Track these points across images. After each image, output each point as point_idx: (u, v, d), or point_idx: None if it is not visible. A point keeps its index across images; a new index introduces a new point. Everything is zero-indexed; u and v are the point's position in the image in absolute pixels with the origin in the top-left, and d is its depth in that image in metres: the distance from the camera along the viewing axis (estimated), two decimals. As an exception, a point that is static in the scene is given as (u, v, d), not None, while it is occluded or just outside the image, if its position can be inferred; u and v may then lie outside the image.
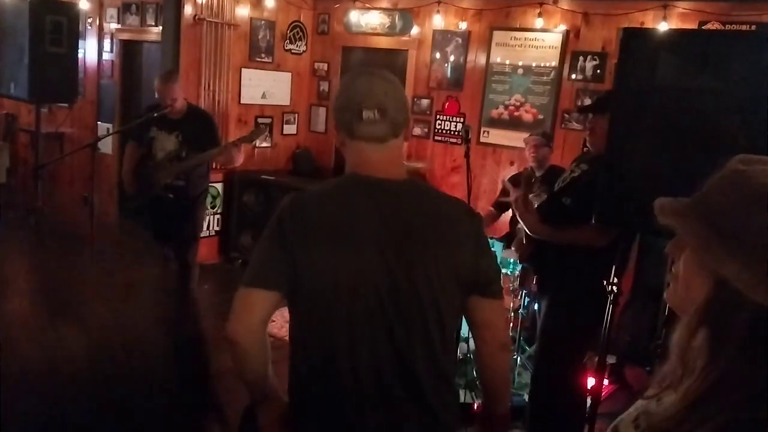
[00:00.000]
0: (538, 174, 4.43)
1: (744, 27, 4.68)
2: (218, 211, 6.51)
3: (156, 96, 4.58)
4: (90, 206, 4.65)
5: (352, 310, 1.55)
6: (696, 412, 0.82)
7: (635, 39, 2.41)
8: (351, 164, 1.65)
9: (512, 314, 4.41)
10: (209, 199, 6.02)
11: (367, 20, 6.62)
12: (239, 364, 1.63)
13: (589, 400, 2.99)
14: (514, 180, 3.64)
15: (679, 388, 0.87)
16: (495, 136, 5.97)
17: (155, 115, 4.45)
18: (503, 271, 4.26)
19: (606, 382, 3.36)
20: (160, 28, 6.11)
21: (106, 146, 6.83)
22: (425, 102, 6.35)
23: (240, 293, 1.60)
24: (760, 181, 0.84)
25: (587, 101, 5.22)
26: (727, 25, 4.76)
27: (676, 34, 2.88)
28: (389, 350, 1.57)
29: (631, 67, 2.37)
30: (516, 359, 4.36)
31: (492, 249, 1.71)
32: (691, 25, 4.89)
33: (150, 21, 6.55)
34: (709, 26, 4.83)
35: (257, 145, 5.17)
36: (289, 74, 6.89)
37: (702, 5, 4.90)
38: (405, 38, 6.41)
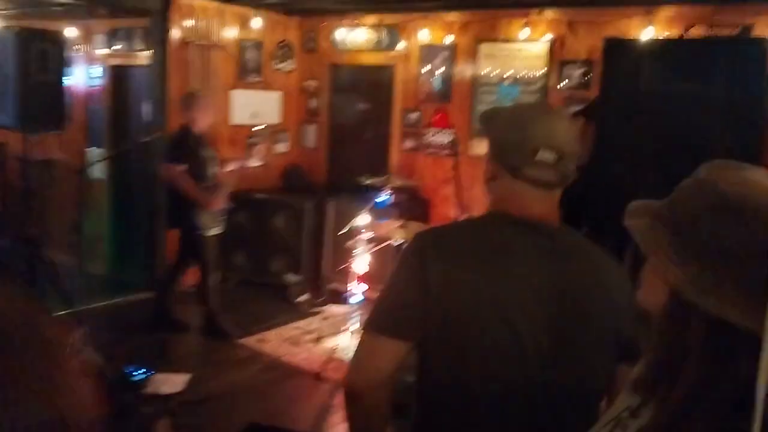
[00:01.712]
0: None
1: (728, 30, 4.70)
2: (212, 232, 6.48)
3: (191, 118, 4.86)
4: (79, 233, 4.65)
5: (503, 361, 1.35)
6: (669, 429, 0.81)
7: (617, 49, 2.43)
8: (500, 202, 1.44)
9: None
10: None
11: (353, 37, 6.65)
12: (357, 421, 1.43)
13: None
14: None
15: (652, 404, 0.86)
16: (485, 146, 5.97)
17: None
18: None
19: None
20: (148, 52, 6.12)
21: (97, 172, 6.82)
22: (414, 115, 6.36)
23: (365, 339, 1.40)
24: (724, 189, 0.83)
25: (575, 108, 5.24)
26: (713, 28, 4.78)
27: (658, 44, 2.91)
28: (539, 402, 1.36)
29: (615, 76, 2.39)
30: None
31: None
32: (677, 30, 4.92)
33: (138, 45, 6.56)
34: (693, 30, 4.85)
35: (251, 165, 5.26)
36: (279, 93, 6.91)
37: (686, 10, 4.93)
38: (392, 53, 6.43)
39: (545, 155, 1.33)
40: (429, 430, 1.46)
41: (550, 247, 1.38)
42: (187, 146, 4.78)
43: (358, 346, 1.42)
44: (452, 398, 1.39)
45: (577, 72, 5.47)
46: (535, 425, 1.37)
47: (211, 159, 4.93)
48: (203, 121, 4.87)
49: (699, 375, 0.79)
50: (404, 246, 1.51)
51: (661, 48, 2.50)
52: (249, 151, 5.28)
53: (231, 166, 5.10)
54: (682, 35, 4.39)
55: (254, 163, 5.22)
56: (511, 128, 1.39)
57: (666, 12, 4.99)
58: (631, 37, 4.60)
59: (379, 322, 1.39)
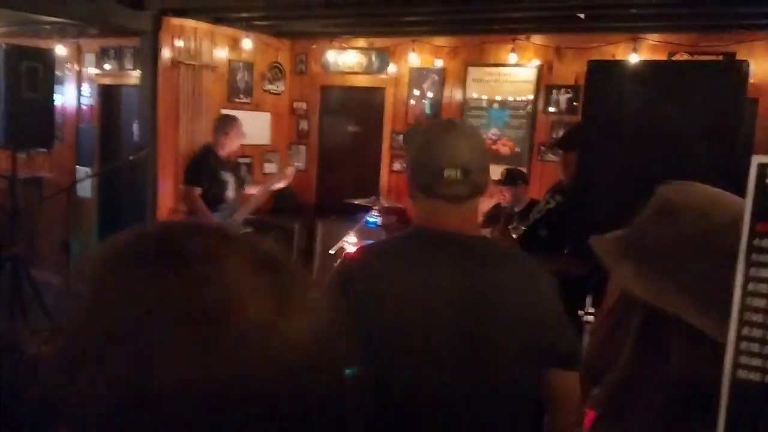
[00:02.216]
0: (518, 209, 4.45)
1: (711, 57, 4.78)
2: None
3: (213, 141, 4.89)
4: (67, 252, 4.62)
5: (423, 371, 1.42)
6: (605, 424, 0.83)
7: (601, 72, 2.46)
8: (422, 218, 1.54)
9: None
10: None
11: (344, 60, 6.71)
12: None
13: None
14: (491, 215, 3.67)
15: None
16: (474, 169, 6.01)
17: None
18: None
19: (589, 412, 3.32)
20: (139, 72, 6.14)
21: (85, 190, 6.80)
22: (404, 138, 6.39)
23: None
24: (669, 196, 0.87)
25: (561, 133, 5.29)
26: (695, 56, 4.87)
27: (642, 66, 2.95)
28: (464, 414, 1.43)
29: (598, 98, 2.41)
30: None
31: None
32: (661, 57, 5.00)
33: (128, 65, 6.58)
34: (677, 57, 4.93)
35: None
36: (269, 114, 6.94)
37: (671, 37, 5.01)
38: (382, 76, 6.49)
39: (451, 173, 1.43)
40: None
41: (466, 258, 1.45)
42: (207, 168, 4.74)
43: None
44: (376, 412, 1.45)
45: (564, 97, 5.53)
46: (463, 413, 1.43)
47: (231, 182, 4.86)
48: (230, 146, 4.85)
49: (633, 364, 0.82)
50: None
51: (644, 70, 2.53)
52: (278, 173, 5.28)
53: (254, 189, 5.11)
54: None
55: (279, 185, 5.16)
56: (419, 151, 1.50)
57: (651, 39, 5.08)
58: (615, 60, 4.67)
59: None
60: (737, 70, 2.12)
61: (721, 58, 4.74)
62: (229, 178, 4.83)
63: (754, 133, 4.62)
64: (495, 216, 3.61)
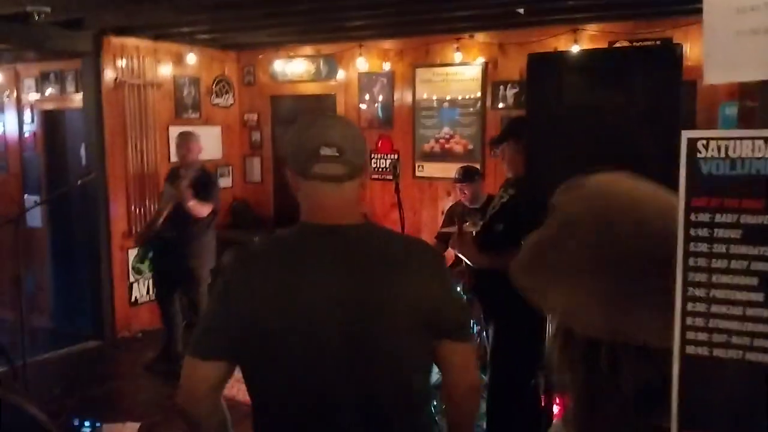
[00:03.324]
0: (475, 206, 4.49)
1: (650, 44, 4.90)
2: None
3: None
4: (19, 285, 4.48)
5: (308, 368, 1.46)
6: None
7: (541, 64, 2.48)
8: (305, 210, 1.57)
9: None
10: (147, 263, 5.85)
11: (292, 68, 6.67)
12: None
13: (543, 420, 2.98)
14: (451, 213, 3.69)
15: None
16: (429, 169, 6.05)
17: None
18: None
19: (558, 400, 3.36)
20: (81, 95, 6.01)
21: (35, 220, 6.62)
22: (357, 143, 6.38)
23: (185, 362, 1.54)
24: (571, 210, 0.84)
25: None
26: (634, 43, 4.98)
27: (580, 55, 2.99)
28: (350, 399, 1.47)
29: (540, 90, 2.44)
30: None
31: (457, 289, 1.63)
32: (601, 46, 5.10)
33: (70, 89, 6.43)
34: (617, 45, 5.03)
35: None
36: (219, 128, 6.86)
37: (609, 26, 5.12)
38: (332, 83, 6.48)
39: (326, 151, 1.47)
40: None
41: (345, 248, 1.49)
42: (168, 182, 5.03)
43: (182, 368, 1.55)
44: (271, 408, 1.54)
45: (511, 92, 5.60)
46: (350, 424, 1.47)
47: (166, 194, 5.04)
48: (184, 158, 5.07)
49: (586, 385, 0.79)
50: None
51: (582, 59, 2.57)
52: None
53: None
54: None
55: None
56: (294, 136, 1.55)
57: (590, 29, 5.18)
58: (553, 52, 4.75)
59: (194, 345, 1.53)
60: (672, 53, 2.17)
61: (658, 43, 4.86)
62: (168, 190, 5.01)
63: (695, 114, 4.75)
64: (459, 214, 3.64)
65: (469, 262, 3.37)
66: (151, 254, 5.27)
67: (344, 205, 1.53)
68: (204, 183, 4.99)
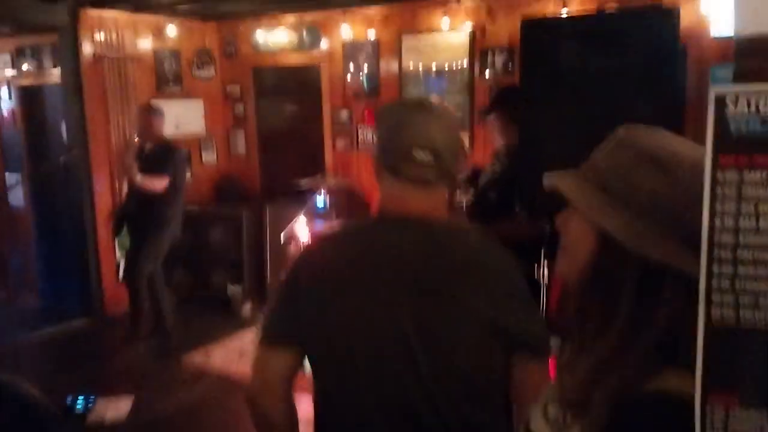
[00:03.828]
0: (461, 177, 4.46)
1: (639, 7, 4.84)
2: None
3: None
4: (4, 264, 4.43)
5: (372, 364, 1.39)
6: (597, 377, 0.82)
7: (534, 29, 2.45)
8: (386, 202, 1.47)
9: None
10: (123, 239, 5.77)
11: (274, 39, 6.55)
12: (259, 424, 1.51)
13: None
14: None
15: (580, 360, 0.87)
16: (416, 139, 5.99)
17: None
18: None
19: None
20: (60, 69, 5.87)
21: (17, 199, 6.52)
22: (345, 113, 6.32)
23: (256, 352, 1.51)
24: (644, 143, 0.87)
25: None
26: (623, 6, 4.92)
27: (573, 20, 2.96)
28: (418, 400, 1.38)
29: (534, 57, 2.41)
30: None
31: (533, 299, 1.47)
32: (590, 8, 5.04)
33: (47, 64, 6.29)
34: (607, 7, 4.97)
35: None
36: (201, 101, 6.75)
37: (598, -10, 5.06)
38: (315, 53, 6.37)
39: (420, 154, 1.37)
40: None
41: (425, 243, 1.40)
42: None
43: (253, 359, 1.52)
44: (338, 403, 1.47)
45: (499, 59, 5.54)
46: (419, 426, 1.39)
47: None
48: (144, 132, 5.03)
49: (631, 316, 0.81)
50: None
51: (577, 24, 2.54)
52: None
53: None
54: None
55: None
56: (389, 129, 1.44)
57: (579, -7, 5.11)
58: (548, 17, 4.69)
59: (265, 334, 1.50)
60: (669, 17, 2.14)
61: (649, 6, 4.80)
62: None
63: (686, 79, 4.72)
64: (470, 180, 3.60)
65: None
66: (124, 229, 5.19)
67: (430, 208, 1.44)
68: (161, 157, 4.91)
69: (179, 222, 5.12)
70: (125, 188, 4.99)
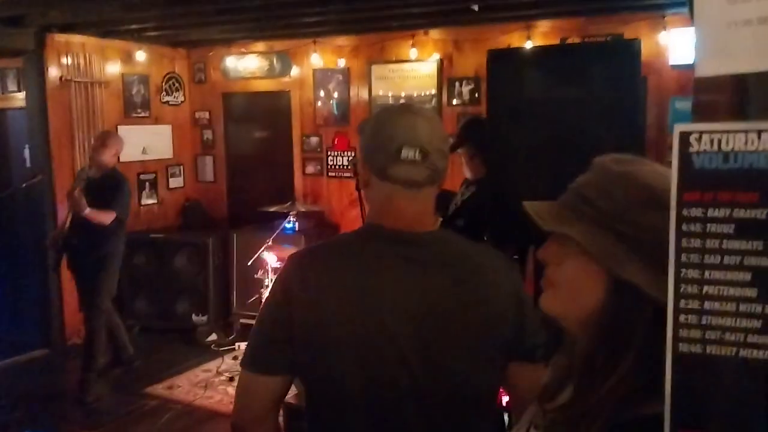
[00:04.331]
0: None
1: (601, 39, 4.98)
2: (109, 278, 6.14)
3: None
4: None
5: (373, 380, 1.35)
6: (592, 412, 0.82)
7: (500, 60, 2.49)
8: (374, 211, 1.43)
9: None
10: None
11: (245, 65, 6.56)
12: None
13: (506, 416, 3.00)
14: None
15: (572, 390, 0.87)
16: (386, 166, 6.02)
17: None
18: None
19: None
20: (24, 93, 5.78)
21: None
22: (314, 140, 6.33)
23: (241, 378, 1.43)
24: (647, 182, 0.85)
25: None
26: (585, 39, 5.05)
27: (537, 51, 3.02)
28: (417, 414, 1.36)
29: (500, 86, 2.44)
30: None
31: (534, 306, 1.52)
32: (554, 42, 5.16)
33: (12, 87, 6.19)
34: (570, 41, 5.10)
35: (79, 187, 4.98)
36: (169, 126, 6.70)
37: (561, 23, 5.19)
38: (286, 79, 6.39)
39: (409, 153, 1.33)
40: None
41: (420, 258, 1.37)
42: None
43: (237, 384, 1.45)
44: (332, 421, 1.41)
45: (466, 88, 5.62)
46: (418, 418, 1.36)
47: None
48: (95, 157, 4.77)
49: (640, 359, 0.80)
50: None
51: (541, 55, 2.59)
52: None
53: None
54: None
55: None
56: (375, 131, 1.40)
57: (543, 26, 5.24)
58: (513, 48, 4.79)
59: (251, 360, 1.41)
60: (630, 48, 2.20)
61: (609, 39, 4.94)
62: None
63: (645, 110, 4.84)
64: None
65: None
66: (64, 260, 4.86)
67: (420, 212, 1.39)
68: (110, 187, 4.65)
69: (121, 258, 4.93)
70: (68, 219, 4.64)
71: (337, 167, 6.28)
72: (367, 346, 1.34)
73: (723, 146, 0.61)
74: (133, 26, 5.66)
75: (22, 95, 5.88)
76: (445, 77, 5.70)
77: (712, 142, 0.62)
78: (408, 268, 1.35)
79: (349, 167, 6.11)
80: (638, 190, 0.85)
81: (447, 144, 1.44)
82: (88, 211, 4.46)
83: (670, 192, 0.81)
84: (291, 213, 5.65)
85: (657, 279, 0.78)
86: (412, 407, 1.35)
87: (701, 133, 0.62)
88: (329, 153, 6.30)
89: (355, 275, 1.36)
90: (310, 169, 6.36)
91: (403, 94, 5.88)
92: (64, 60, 5.67)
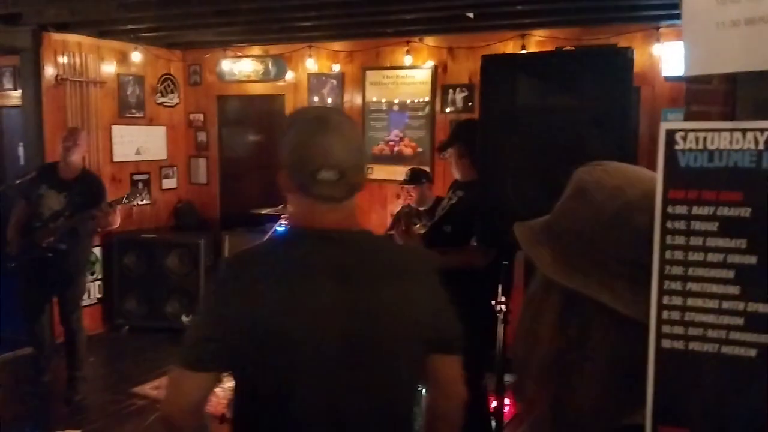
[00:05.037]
0: (423, 208, 4.50)
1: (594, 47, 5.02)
2: (98, 277, 6.12)
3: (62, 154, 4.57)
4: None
5: (305, 377, 1.41)
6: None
7: (494, 65, 2.50)
8: (298, 216, 1.51)
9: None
10: (88, 265, 5.71)
11: (240, 68, 6.57)
12: None
13: (493, 422, 3.00)
14: (399, 215, 3.70)
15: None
16: (379, 171, 6.03)
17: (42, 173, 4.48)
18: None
19: (508, 402, 3.39)
20: (20, 91, 5.77)
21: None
22: (307, 145, 6.33)
23: (173, 373, 1.48)
24: (583, 178, 0.84)
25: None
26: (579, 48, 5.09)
27: (532, 57, 3.04)
28: (347, 409, 1.43)
29: (493, 91, 2.45)
30: (421, 390, 4.33)
31: (450, 300, 1.56)
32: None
33: (8, 85, 6.18)
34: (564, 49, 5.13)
35: (137, 204, 4.87)
36: (164, 128, 6.69)
37: (556, 32, 5.22)
38: (280, 83, 6.40)
39: (325, 175, 1.39)
40: None
41: (344, 254, 1.43)
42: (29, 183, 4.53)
43: (168, 378, 1.51)
44: (262, 417, 1.47)
45: (460, 96, 5.64)
46: (349, 407, 1.43)
47: (48, 199, 4.45)
48: (69, 154, 4.53)
49: (556, 345, 0.79)
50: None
51: (535, 61, 2.60)
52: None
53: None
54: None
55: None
56: (293, 148, 1.44)
57: (538, 35, 5.27)
58: (507, 53, 4.82)
59: (183, 356, 1.45)
60: (623, 56, 2.21)
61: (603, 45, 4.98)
62: (52, 194, 4.45)
63: (638, 120, 4.88)
64: (405, 214, 3.64)
65: None
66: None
67: (342, 218, 1.47)
68: (97, 189, 4.53)
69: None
70: (64, 224, 4.42)
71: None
72: (296, 347, 1.39)
73: (708, 145, 0.63)
74: (130, 27, 5.66)
75: (17, 93, 5.87)
76: (439, 84, 5.72)
77: (697, 140, 0.63)
78: (333, 270, 1.41)
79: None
80: (572, 184, 0.85)
81: (363, 156, 1.53)
82: (118, 220, 4.49)
83: (595, 183, 0.81)
84: (282, 215, 5.65)
85: (567, 269, 0.79)
86: (342, 403, 1.41)
87: (687, 131, 0.63)
88: (323, 157, 6.29)
89: (283, 278, 1.42)
90: (304, 173, 6.36)
91: (396, 101, 5.90)
92: (60, 59, 5.67)
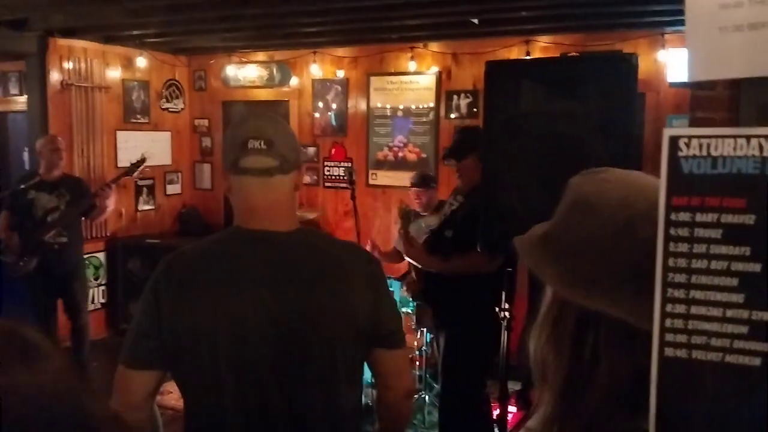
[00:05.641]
0: (428, 212, 4.50)
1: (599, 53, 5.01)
2: (102, 282, 6.14)
3: (39, 161, 4.65)
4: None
5: (238, 379, 1.44)
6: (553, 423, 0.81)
7: (498, 70, 2.49)
8: (237, 213, 1.54)
9: (417, 353, 4.39)
10: (92, 270, 5.75)
11: (245, 74, 6.58)
12: None
13: (496, 429, 2.99)
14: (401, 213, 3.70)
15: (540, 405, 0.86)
16: (382, 177, 6.04)
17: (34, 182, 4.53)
18: (404, 310, 4.26)
19: (513, 408, 3.38)
20: (26, 97, 5.79)
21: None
22: (312, 150, 6.34)
23: (118, 371, 1.52)
24: (584, 190, 0.83)
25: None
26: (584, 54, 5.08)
27: (536, 63, 3.03)
28: (281, 409, 1.46)
29: (497, 97, 2.44)
30: (424, 398, 4.32)
31: (392, 294, 1.60)
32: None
33: (13, 90, 6.21)
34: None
35: (139, 171, 4.86)
36: (168, 133, 6.71)
37: (560, 38, 5.22)
38: (285, 89, 6.41)
39: (254, 144, 1.45)
40: None
41: (277, 256, 1.47)
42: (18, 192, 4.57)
43: (114, 377, 1.53)
44: (202, 416, 1.51)
45: (464, 102, 5.64)
46: (283, 402, 1.47)
47: (39, 201, 4.51)
48: (54, 160, 4.59)
49: (572, 364, 0.79)
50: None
51: (539, 67, 2.60)
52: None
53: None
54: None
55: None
56: (227, 136, 1.55)
57: (542, 41, 5.27)
58: (512, 59, 4.82)
59: (125, 355, 1.49)
60: (627, 62, 2.20)
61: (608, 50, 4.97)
62: (42, 196, 4.51)
63: (643, 126, 4.87)
64: (403, 211, 3.65)
65: (416, 264, 3.38)
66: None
67: (276, 204, 1.50)
68: (83, 184, 4.79)
69: None
70: (67, 218, 4.53)
71: (333, 177, 6.29)
72: (222, 349, 1.43)
73: (712, 151, 0.62)
74: (135, 32, 5.68)
75: (23, 98, 5.89)
76: (444, 90, 5.72)
77: (701, 146, 0.62)
78: (267, 268, 1.45)
79: (345, 177, 6.12)
80: (572, 196, 0.84)
81: (294, 139, 1.58)
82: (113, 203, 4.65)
83: (597, 196, 0.81)
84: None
85: (576, 284, 0.78)
86: (274, 402, 1.45)
87: (690, 137, 0.62)
88: (326, 163, 6.31)
89: (217, 276, 1.46)
90: (307, 178, 6.36)
91: (401, 107, 5.91)
92: (65, 64, 5.69)
